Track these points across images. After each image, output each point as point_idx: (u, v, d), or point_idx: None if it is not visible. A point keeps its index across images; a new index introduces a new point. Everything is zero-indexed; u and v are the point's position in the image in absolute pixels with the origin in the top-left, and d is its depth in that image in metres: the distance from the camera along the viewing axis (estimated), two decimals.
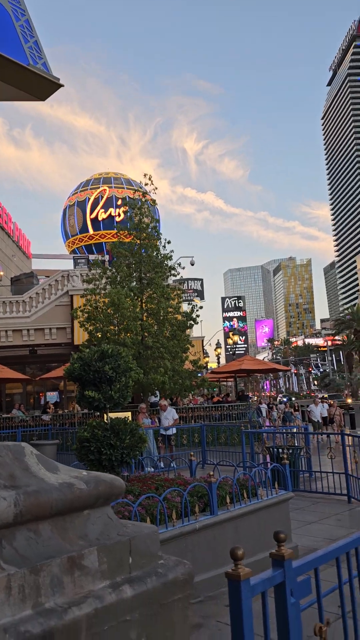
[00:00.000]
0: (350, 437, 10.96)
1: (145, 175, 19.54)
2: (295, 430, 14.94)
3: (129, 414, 7.20)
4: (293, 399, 68.35)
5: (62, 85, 3.69)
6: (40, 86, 3.51)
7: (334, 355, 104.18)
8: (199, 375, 19.18)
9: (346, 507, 9.50)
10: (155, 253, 19.18)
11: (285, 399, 47.56)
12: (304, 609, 2.27)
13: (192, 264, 35.13)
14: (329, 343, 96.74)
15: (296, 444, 12.26)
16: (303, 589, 2.23)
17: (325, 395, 54.22)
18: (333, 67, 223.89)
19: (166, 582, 1.99)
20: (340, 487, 10.25)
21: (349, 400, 38.86)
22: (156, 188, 19.89)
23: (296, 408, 25.77)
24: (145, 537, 2.03)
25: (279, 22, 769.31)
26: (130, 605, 1.86)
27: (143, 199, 19.73)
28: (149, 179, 19.49)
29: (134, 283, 18.79)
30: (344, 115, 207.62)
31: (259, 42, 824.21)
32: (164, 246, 19.58)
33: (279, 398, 54.25)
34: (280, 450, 10.42)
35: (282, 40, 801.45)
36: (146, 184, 19.96)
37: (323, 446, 17.23)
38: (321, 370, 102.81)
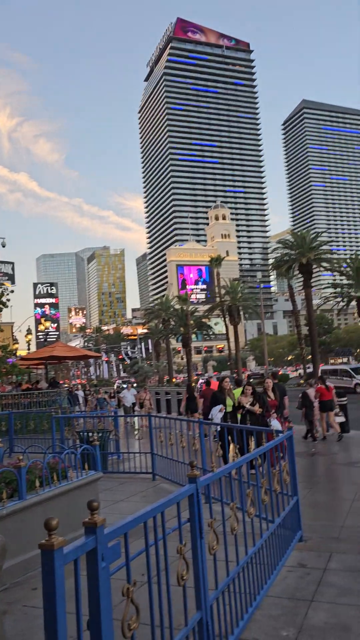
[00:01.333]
0: (156, 419, 11.56)
1: None
2: (105, 414, 15.24)
3: None
4: (135, 384, 68.95)
5: None
6: None
7: (142, 344, 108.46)
8: (9, 362, 18.39)
9: (151, 485, 10.05)
10: None
11: (125, 385, 47.25)
12: (113, 573, 2.38)
13: (4, 246, 33.35)
14: (139, 332, 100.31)
15: (105, 428, 12.52)
16: (113, 553, 2.34)
17: (132, 380, 56.07)
18: (150, 64, 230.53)
19: None
20: (147, 466, 10.80)
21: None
22: None
23: (112, 395, 26.31)
24: None
25: (102, 7, 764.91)
26: None
27: None
28: None
29: None
30: (159, 112, 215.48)
31: (82, 24, 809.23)
32: None
33: (117, 384, 53.71)
34: (90, 433, 10.56)
35: (105, 27, 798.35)
36: None
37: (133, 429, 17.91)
38: (131, 357, 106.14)
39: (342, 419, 14.32)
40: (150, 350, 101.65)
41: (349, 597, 4.51)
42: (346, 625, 4.02)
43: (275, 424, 10.25)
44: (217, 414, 10.49)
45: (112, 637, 2.21)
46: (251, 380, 16.50)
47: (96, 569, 2.18)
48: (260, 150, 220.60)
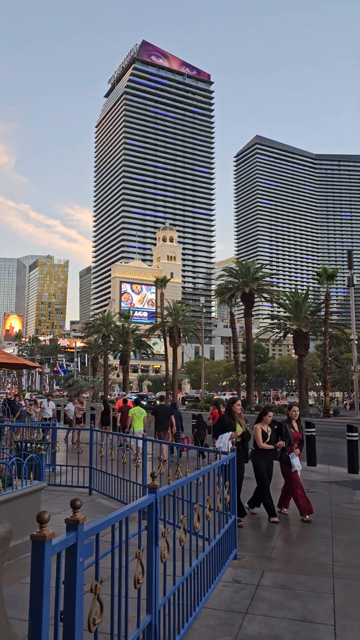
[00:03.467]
0: (97, 433, 11.61)
1: None
2: (43, 425, 15.05)
3: None
4: (155, 393, 66.79)
5: None
6: None
7: (79, 358, 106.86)
8: None
9: (88, 499, 10.07)
10: None
11: (133, 396, 45.26)
12: (85, 569, 2.56)
13: None
14: (77, 345, 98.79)
15: (44, 439, 12.41)
16: (88, 551, 2.52)
17: (63, 393, 54.90)
18: (112, 81, 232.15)
19: None
20: (84, 480, 10.82)
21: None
22: None
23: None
24: None
25: (70, 16, 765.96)
26: None
27: None
28: None
29: None
30: (116, 130, 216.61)
31: (46, 29, 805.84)
32: None
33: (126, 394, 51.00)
34: (29, 444, 10.47)
35: (71, 36, 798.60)
36: None
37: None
38: (66, 370, 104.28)
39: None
40: (87, 365, 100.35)
41: (280, 611, 4.82)
42: (278, 636, 4.31)
43: (296, 462, 8.71)
44: (227, 442, 8.45)
45: (82, 629, 2.38)
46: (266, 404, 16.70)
47: (75, 564, 2.36)
48: (212, 178, 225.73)
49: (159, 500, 3.64)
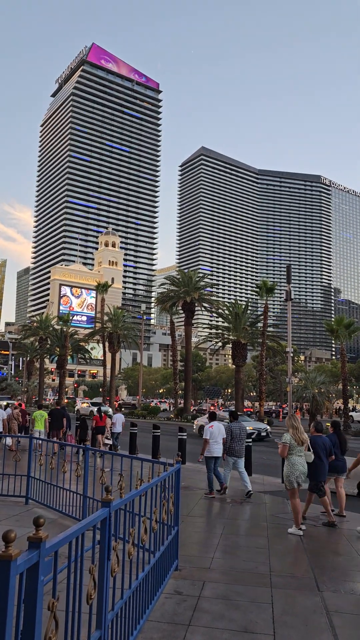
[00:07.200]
0: (37, 442, 11.37)
1: None
2: None
3: None
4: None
5: None
6: None
7: (14, 361, 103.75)
8: None
9: (24, 508, 9.84)
10: None
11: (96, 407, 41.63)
12: (44, 585, 2.55)
13: None
14: (12, 347, 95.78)
15: None
16: (48, 568, 2.51)
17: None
18: (60, 81, 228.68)
19: None
20: (20, 489, 10.55)
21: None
22: None
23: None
24: None
25: (20, 14, 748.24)
26: None
27: None
28: None
29: None
30: (62, 130, 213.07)
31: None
32: None
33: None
34: None
35: (17, 35, 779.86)
36: None
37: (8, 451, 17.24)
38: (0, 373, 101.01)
39: (110, 442, 18.56)
40: (21, 368, 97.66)
41: (222, 622, 4.92)
42: None
43: None
44: None
45: None
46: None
47: (36, 583, 2.34)
48: (156, 186, 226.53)
49: (112, 515, 3.66)
